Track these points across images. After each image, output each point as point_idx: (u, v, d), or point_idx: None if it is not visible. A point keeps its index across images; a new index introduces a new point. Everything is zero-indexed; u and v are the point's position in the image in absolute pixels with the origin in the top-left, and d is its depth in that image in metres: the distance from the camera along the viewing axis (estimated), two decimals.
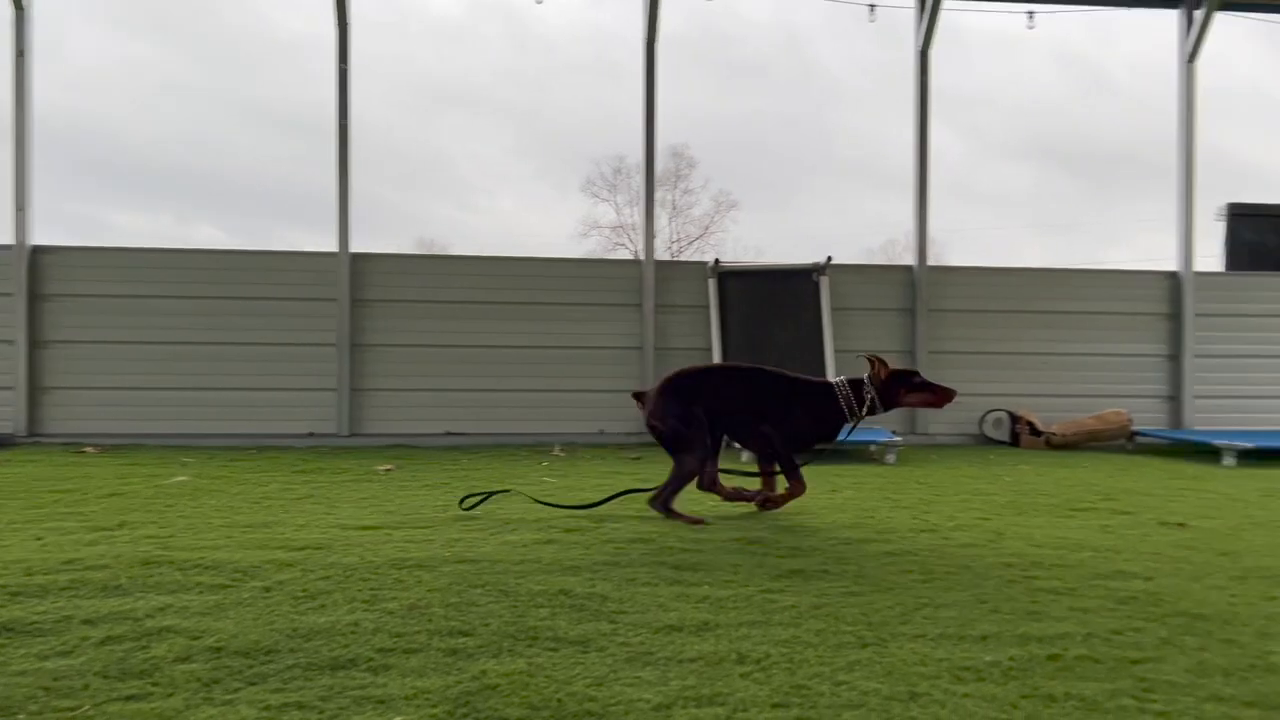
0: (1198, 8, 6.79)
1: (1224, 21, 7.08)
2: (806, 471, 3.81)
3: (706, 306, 6.70)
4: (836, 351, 6.55)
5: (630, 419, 6.58)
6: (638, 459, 5.68)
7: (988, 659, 2.08)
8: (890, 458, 5.53)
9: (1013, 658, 2.10)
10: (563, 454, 5.91)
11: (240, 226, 42.46)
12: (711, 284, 6.71)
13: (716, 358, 6.43)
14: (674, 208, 39.03)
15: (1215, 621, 2.40)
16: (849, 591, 2.63)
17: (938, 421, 6.74)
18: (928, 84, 6.64)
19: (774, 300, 6.66)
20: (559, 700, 1.81)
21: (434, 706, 1.77)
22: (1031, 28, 6.81)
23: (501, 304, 6.67)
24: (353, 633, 2.19)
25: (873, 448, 5.75)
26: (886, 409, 3.74)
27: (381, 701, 1.80)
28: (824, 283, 6.64)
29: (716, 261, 6.83)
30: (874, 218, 52.13)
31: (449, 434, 6.62)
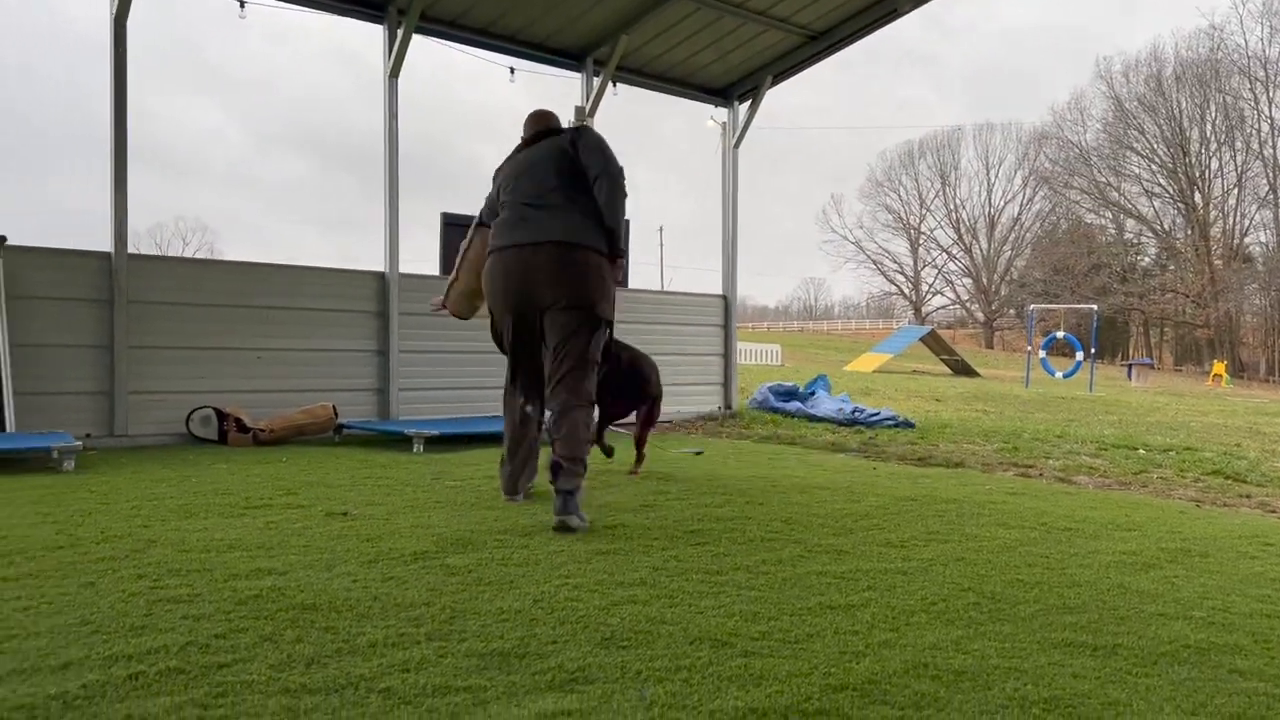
0: (399, 26, 7.32)
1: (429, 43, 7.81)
2: None
3: None
4: (15, 346, 5.71)
5: None
6: None
7: (52, 691, 1.88)
8: (68, 465, 4.96)
9: (85, 684, 1.92)
10: None
11: None
12: None
13: None
14: None
15: (324, 610, 2.50)
16: None
17: (141, 422, 6.28)
18: (124, 56, 6.11)
19: None
20: None
21: None
22: (243, 17, 6.70)
23: None
24: None
25: (54, 454, 5.10)
26: None
27: None
28: None
29: None
30: (139, 199, 47.96)
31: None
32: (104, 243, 6.26)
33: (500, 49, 8.32)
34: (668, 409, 9.24)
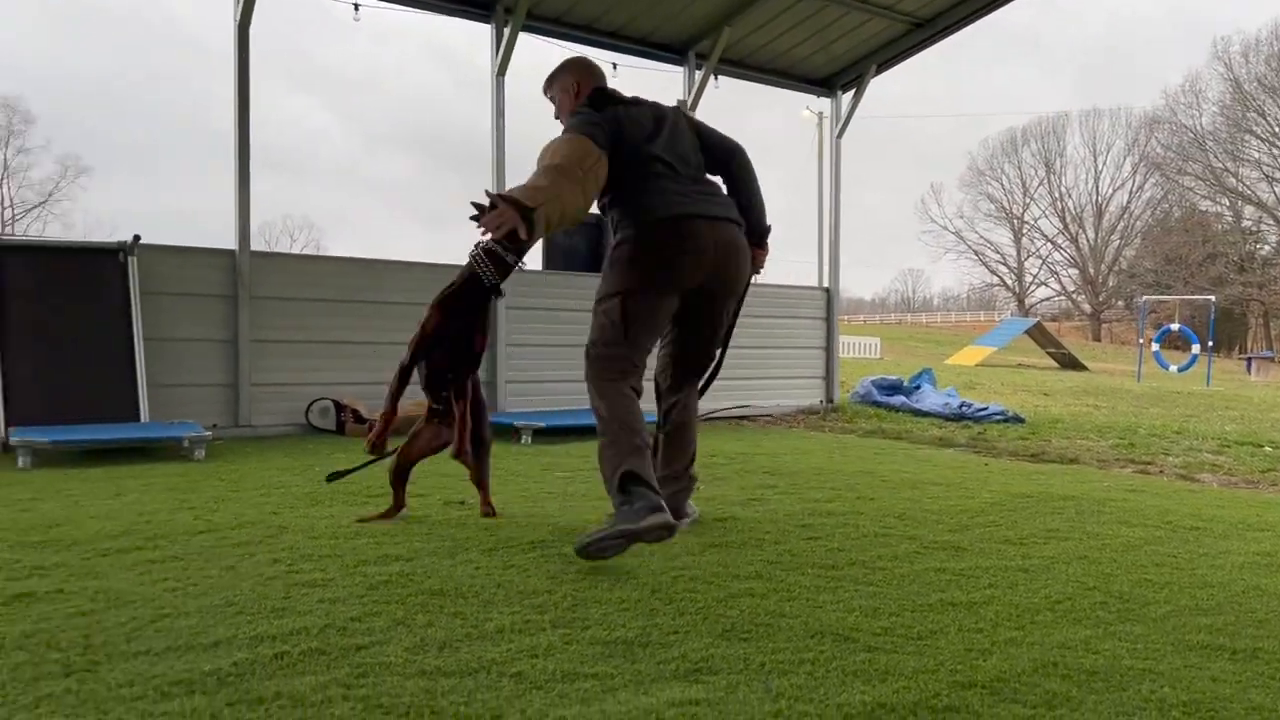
0: (506, 25, 7.46)
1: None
2: None
3: None
4: (148, 340, 6.01)
5: None
6: None
7: (208, 668, 1.98)
8: (199, 454, 5.20)
9: (236, 662, 2.02)
10: None
11: None
12: None
13: None
14: (5, 168, 33.18)
15: (451, 595, 2.57)
16: (79, 612, 2.35)
17: (264, 413, 6.54)
18: (248, 62, 6.36)
19: (71, 283, 5.88)
20: None
21: None
22: (358, 19, 6.92)
23: None
24: None
25: (185, 443, 5.36)
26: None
27: None
28: (132, 264, 6.04)
29: None
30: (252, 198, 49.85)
31: None
32: (223, 240, 6.55)
33: (603, 45, 8.38)
34: (767, 402, 9.24)
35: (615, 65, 8.79)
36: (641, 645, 2.21)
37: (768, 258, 3.73)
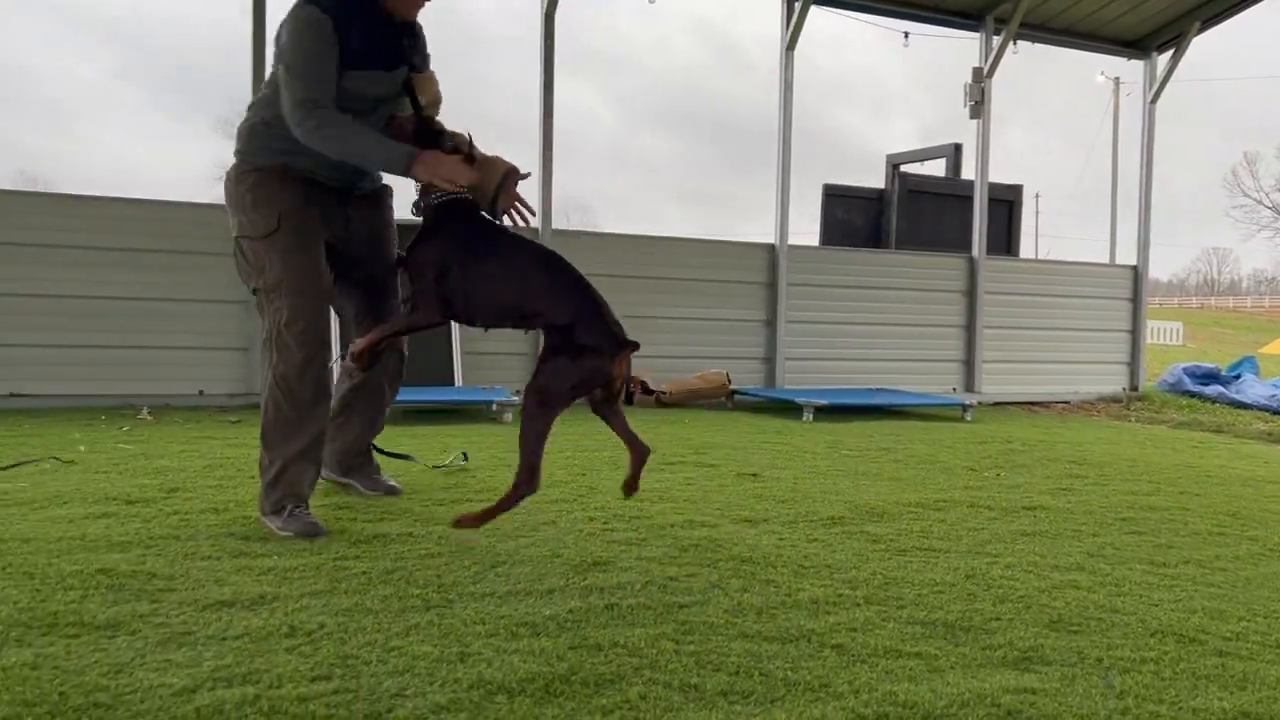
0: (796, 0, 7.41)
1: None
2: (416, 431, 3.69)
3: None
4: None
5: (234, 379, 6.13)
6: (237, 422, 5.30)
7: (547, 613, 2.12)
8: (506, 417, 5.58)
9: (571, 610, 2.15)
10: (150, 418, 5.38)
11: None
12: None
13: None
14: None
15: (761, 563, 2.62)
16: (428, 554, 2.59)
17: None
18: (553, 50, 6.72)
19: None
20: (61, 694, 1.60)
21: None
22: (653, 3, 7.11)
23: (88, 249, 5.89)
24: None
25: (494, 407, 5.77)
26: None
27: None
28: None
29: None
30: (528, 181, 52.68)
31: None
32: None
33: (895, 13, 8.14)
34: (1063, 389, 8.70)
35: (907, 35, 8.54)
36: (963, 629, 2.15)
37: None
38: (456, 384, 6.30)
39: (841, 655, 1.96)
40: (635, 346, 2.77)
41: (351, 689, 1.68)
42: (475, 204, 2.88)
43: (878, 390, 7.64)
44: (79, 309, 5.89)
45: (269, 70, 2.94)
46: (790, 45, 7.46)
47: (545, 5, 6.65)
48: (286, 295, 2.81)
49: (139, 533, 2.66)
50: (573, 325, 2.70)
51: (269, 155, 2.89)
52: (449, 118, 3.04)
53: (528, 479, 2.58)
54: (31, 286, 5.80)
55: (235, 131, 3.00)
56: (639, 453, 2.90)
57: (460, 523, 2.65)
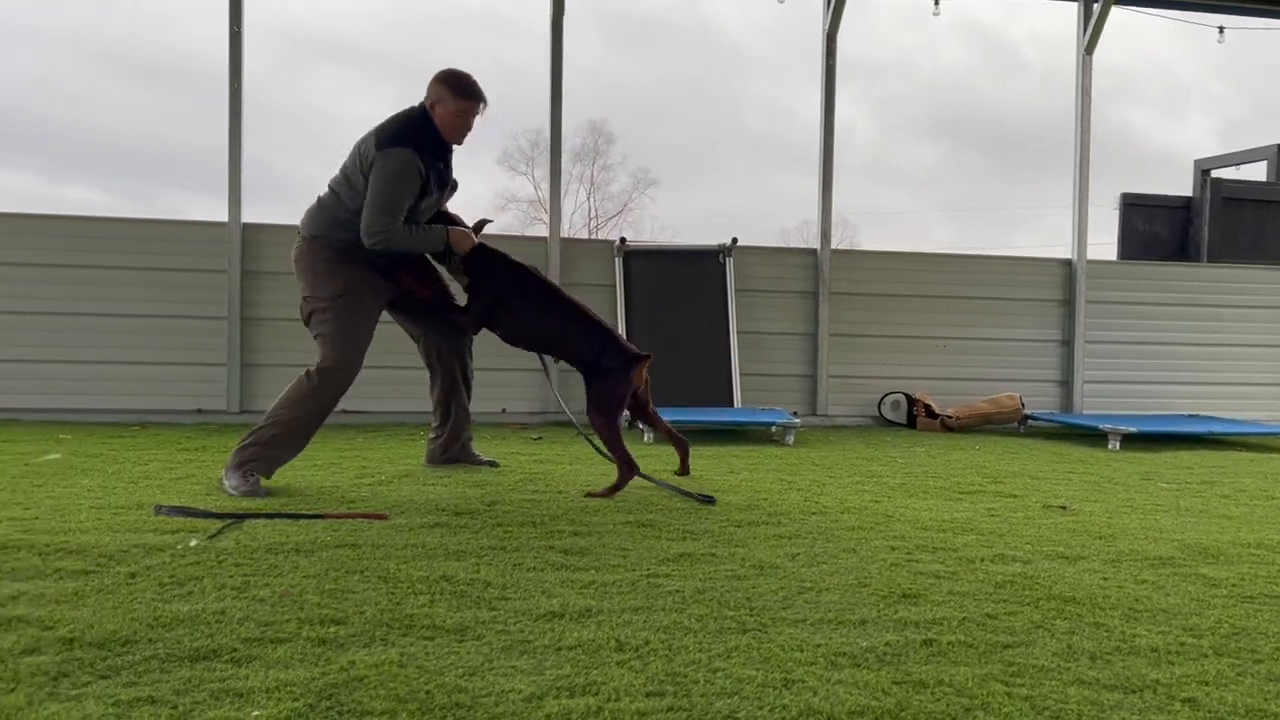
0: (1095, 0, 6.97)
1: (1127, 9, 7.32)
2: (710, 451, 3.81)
3: (613, 286, 6.66)
4: (740, 333, 6.58)
5: (534, 399, 6.53)
6: (538, 439, 5.63)
7: (864, 644, 2.10)
8: (789, 439, 5.58)
9: (888, 643, 2.11)
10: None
11: (118, 187, 40.38)
12: (617, 263, 6.68)
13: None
14: (593, 184, 38.78)
15: (1086, 605, 2.46)
16: (735, 575, 2.63)
17: (838, 404, 6.85)
18: (834, 69, 6.69)
19: (680, 281, 6.66)
20: (428, 692, 1.75)
21: (295, 700, 1.70)
22: (937, 14, 6.91)
23: None
24: (218, 621, 2.10)
25: (773, 429, 5.79)
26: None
27: (240, 695, 1.72)
28: (729, 264, 6.66)
29: (622, 240, 6.79)
30: (787, 197, 52.67)
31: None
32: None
33: (1207, 7, 7.48)
34: None
35: (1221, 29, 7.81)
36: None
37: None
38: (735, 405, 6.38)
39: (1196, 711, 1.80)
40: (648, 358, 3.84)
41: (685, 706, 1.73)
42: (504, 255, 3.93)
43: (1192, 417, 6.99)
44: None
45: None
46: (1089, 48, 7.03)
47: (827, 25, 6.64)
48: (338, 346, 3.72)
49: (470, 543, 2.88)
50: (599, 358, 3.75)
51: (342, 235, 3.75)
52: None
53: (628, 466, 3.71)
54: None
55: (307, 210, 3.88)
56: (681, 445, 4.11)
57: (592, 495, 3.67)
